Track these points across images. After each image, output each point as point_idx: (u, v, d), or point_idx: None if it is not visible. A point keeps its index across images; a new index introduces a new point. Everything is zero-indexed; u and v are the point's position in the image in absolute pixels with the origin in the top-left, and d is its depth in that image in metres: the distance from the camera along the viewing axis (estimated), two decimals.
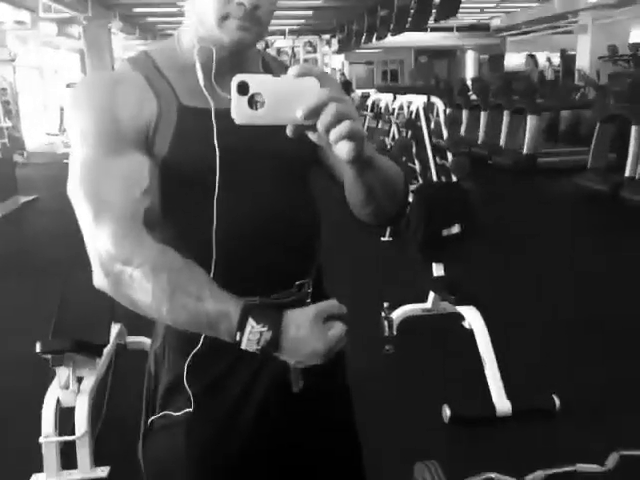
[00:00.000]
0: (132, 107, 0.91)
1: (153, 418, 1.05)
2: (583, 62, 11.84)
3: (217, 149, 0.91)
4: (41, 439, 2.18)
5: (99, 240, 0.86)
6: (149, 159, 0.91)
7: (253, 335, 0.81)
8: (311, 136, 0.76)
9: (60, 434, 2.21)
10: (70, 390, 2.24)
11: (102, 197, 0.87)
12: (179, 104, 0.93)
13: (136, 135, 0.91)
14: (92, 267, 0.88)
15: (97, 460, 2.26)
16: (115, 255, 0.84)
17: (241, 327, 0.81)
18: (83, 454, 2.22)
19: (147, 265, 0.84)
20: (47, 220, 6.18)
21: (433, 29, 16.15)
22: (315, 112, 0.73)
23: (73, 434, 2.21)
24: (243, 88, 0.72)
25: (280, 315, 0.83)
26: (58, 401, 2.21)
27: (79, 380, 2.29)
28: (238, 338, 0.82)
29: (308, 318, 0.83)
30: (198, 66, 0.94)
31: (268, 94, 0.72)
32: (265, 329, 0.81)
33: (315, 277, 1.08)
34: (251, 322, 0.81)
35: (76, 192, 0.89)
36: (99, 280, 0.87)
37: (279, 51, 17.55)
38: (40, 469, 2.23)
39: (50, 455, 2.20)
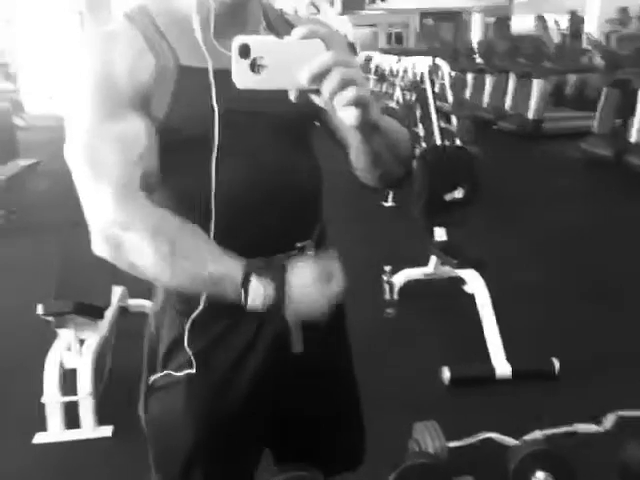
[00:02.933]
0: (129, 68, 0.88)
1: (154, 377, 1.06)
2: (592, 25, 11.59)
3: (215, 110, 0.89)
4: (44, 399, 2.21)
5: (97, 206, 0.86)
6: (147, 121, 0.89)
7: (257, 291, 0.83)
8: (315, 100, 0.74)
9: (65, 394, 2.24)
10: (72, 351, 2.26)
11: (99, 162, 0.86)
12: (178, 64, 0.90)
13: (133, 96, 0.88)
14: (91, 234, 0.87)
15: (101, 420, 2.30)
16: (114, 220, 0.84)
17: (245, 284, 0.82)
18: (86, 414, 2.26)
19: (147, 230, 0.84)
20: (48, 183, 6.16)
21: None
22: (319, 77, 0.69)
23: (76, 394, 2.23)
24: (244, 51, 0.69)
25: (283, 270, 0.84)
26: (61, 362, 2.24)
27: (81, 342, 2.31)
28: (243, 296, 0.83)
29: (310, 273, 0.84)
30: (196, 22, 0.91)
31: (271, 57, 0.69)
32: (268, 284, 0.82)
33: (317, 240, 1.06)
34: (254, 279, 0.82)
35: (73, 156, 0.88)
36: (98, 246, 0.87)
37: (281, 12, 17.21)
38: (44, 428, 2.26)
39: (53, 415, 2.24)
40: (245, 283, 0.83)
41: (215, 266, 0.83)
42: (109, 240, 0.85)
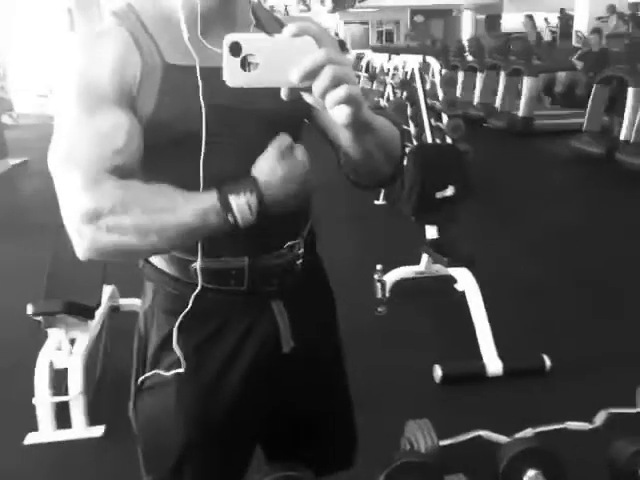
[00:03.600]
0: (114, 66, 0.88)
1: (143, 377, 1.05)
2: (581, 23, 11.64)
3: (203, 108, 0.88)
4: (35, 400, 2.20)
5: (68, 202, 0.85)
6: (131, 118, 0.88)
7: (241, 207, 0.85)
8: (307, 98, 0.73)
9: (55, 394, 2.22)
10: (63, 351, 2.25)
11: (73, 155, 0.85)
12: (163, 62, 0.90)
13: (118, 93, 0.88)
14: (72, 240, 0.86)
15: (92, 420, 2.29)
16: (85, 213, 0.83)
17: (226, 206, 0.84)
18: (77, 414, 2.25)
19: (117, 207, 0.83)
20: (37, 182, 6.11)
21: None
22: (311, 75, 0.69)
23: (67, 394, 2.22)
24: (235, 49, 0.68)
25: (250, 177, 0.87)
26: (51, 362, 2.22)
27: (72, 342, 2.30)
28: (231, 219, 0.85)
29: (274, 159, 0.87)
30: (182, 20, 0.90)
31: (262, 55, 0.69)
32: (248, 195, 0.85)
33: (307, 239, 1.06)
34: (233, 199, 0.85)
35: (51, 154, 0.87)
36: (82, 249, 0.86)
37: (272, 9, 17.20)
38: (35, 428, 2.25)
39: (45, 415, 2.23)
40: (226, 205, 0.84)
41: (192, 206, 0.84)
42: (87, 236, 0.84)
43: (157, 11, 0.93)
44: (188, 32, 0.90)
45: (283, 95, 0.72)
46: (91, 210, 0.83)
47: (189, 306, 0.96)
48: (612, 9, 10.68)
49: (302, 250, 1.04)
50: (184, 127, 0.90)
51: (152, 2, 0.95)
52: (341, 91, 0.70)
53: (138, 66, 0.89)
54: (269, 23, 1.01)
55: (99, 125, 0.86)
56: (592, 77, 7.77)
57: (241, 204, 0.84)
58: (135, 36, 0.90)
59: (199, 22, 0.91)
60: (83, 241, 0.85)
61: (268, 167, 0.87)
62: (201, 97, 0.88)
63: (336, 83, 0.70)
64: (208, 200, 0.85)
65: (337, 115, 0.72)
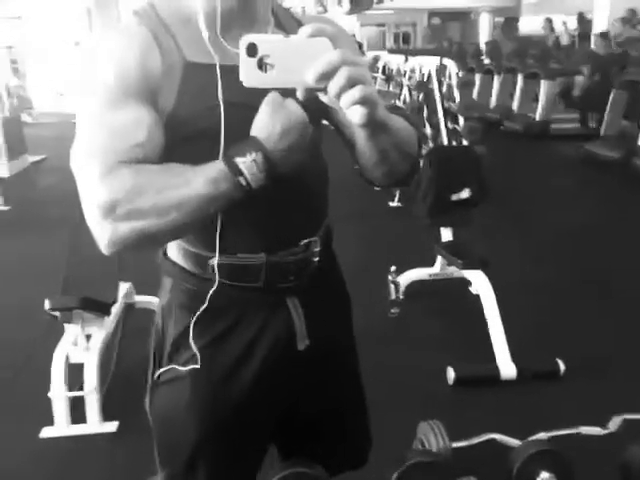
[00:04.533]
0: (136, 63, 0.89)
1: (160, 372, 1.06)
2: (600, 26, 11.53)
3: (222, 105, 0.89)
4: (50, 394, 2.22)
5: (89, 199, 0.86)
6: (153, 114, 0.90)
7: (250, 168, 0.84)
8: (323, 98, 0.74)
9: (70, 389, 2.25)
10: (79, 347, 2.28)
11: (92, 150, 0.87)
12: (184, 60, 0.91)
13: (140, 89, 0.89)
14: (95, 235, 0.87)
15: (106, 415, 2.31)
16: (104, 206, 0.84)
17: (236, 171, 0.84)
18: (92, 409, 2.27)
19: (130, 192, 0.84)
20: (55, 179, 6.18)
21: None
22: (326, 76, 0.70)
23: (82, 389, 2.25)
24: (252, 49, 0.69)
25: (251, 137, 0.86)
26: (67, 357, 2.25)
27: (88, 337, 2.32)
28: (242, 181, 0.85)
29: (268, 115, 0.86)
30: (202, 19, 0.92)
31: (278, 56, 0.70)
32: (253, 154, 0.84)
33: (323, 237, 1.07)
34: (239, 161, 0.84)
35: (73, 150, 0.88)
36: (104, 243, 0.87)
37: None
38: (51, 423, 2.27)
39: (60, 410, 2.25)
40: (233, 167, 0.84)
41: (202, 176, 0.85)
42: (107, 229, 0.85)
43: (178, 10, 0.95)
44: (208, 31, 0.91)
45: (299, 95, 0.73)
46: (108, 201, 0.84)
47: (206, 303, 0.97)
48: (632, 13, 10.57)
49: (318, 248, 1.05)
50: (203, 124, 0.91)
51: (173, 2, 0.96)
52: (356, 92, 0.70)
53: (158, 63, 0.90)
54: (288, 22, 1.02)
55: (120, 119, 0.87)
56: (598, 81, 7.81)
57: (248, 162, 0.84)
58: (155, 34, 0.91)
59: (219, 22, 0.92)
60: (104, 234, 0.85)
61: (264, 123, 0.85)
62: (220, 95, 0.89)
63: (351, 84, 0.70)
64: (216, 167, 0.85)
65: (353, 115, 0.72)
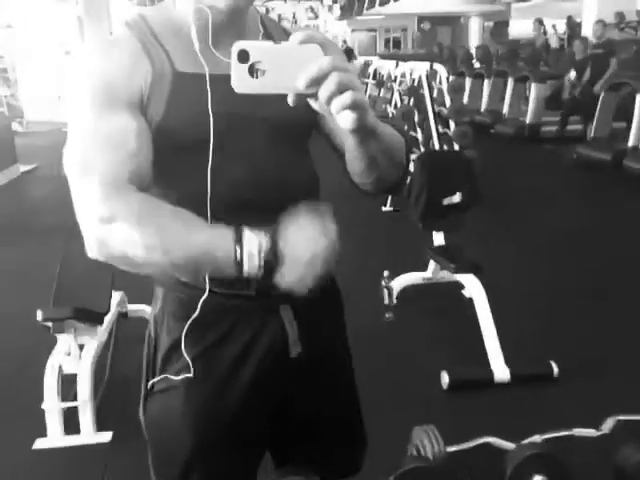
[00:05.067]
0: (125, 71, 0.90)
1: (153, 381, 1.06)
2: (589, 29, 11.62)
3: (211, 115, 0.90)
4: (43, 405, 2.21)
5: (84, 204, 0.86)
6: (142, 123, 0.90)
7: (252, 245, 0.82)
8: (313, 104, 0.75)
9: (63, 399, 2.24)
10: (72, 357, 2.27)
11: (88, 160, 0.87)
12: (173, 70, 0.92)
13: (129, 98, 0.90)
14: (84, 238, 0.87)
15: (100, 425, 2.30)
16: (101, 217, 0.84)
17: (239, 238, 0.82)
18: (86, 419, 2.26)
19: (132, 216, 0.84)
20: (47, 188, 6.16)
21: None
22: (316, 81, 0.71)
23: (76, 400, 2.24)
24: (243, 56, 0.70)
25: (274, 224, 0.84)
26: (60, 367, 2.24)
27: (80, 347, 2.31)
28: (238, 255, 0.82)
29: (304, 230, 0.83)
30: (193, 29, 0.92)
31: (269, 62, 0.70)
32: (262, 236, 0.83)
33: None
34: (247, 232, 0.83)
35: (67, 157, 0.89)
36: (91, 249, 0.87)
37: (280, 17, 17.28)
38: (44, 434, 2.26)
39: (53, 420, 2.24)
40: (239, 236, 0.82)
41: (207, 231, 0.84)
42: (98, 238, 0.85)
43: (168, 21, 0.96)
44: (199, 42, 0.92)
45: (290, 101, 0.74)
46: (106, 217, 0.84)
47: (197, 312, 0.97)
48: (620, 16, 10.66)
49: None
50: (192, 134, 0.91)
51: (163, 12, 0.98)
52: (346, 97, 0.71)
53: (149, 74, 0.91)
54: (276, 32, 1.04)
55: (112, 129, 0.88)
56: (574, 84, 7.95)
57: (253, 243, 0.82)
58: (145, 45, 0.92)
59: (210, 33, 0.92)
60: (94, 243, 0.86)
61: (297, 224, 0.84)
62: (209, 105, 0.90)
63: (341, 89, 0.71)
64: (222, 229, 0.84)
65: (342, 120, 0.73)
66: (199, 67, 0.91)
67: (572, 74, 8.08)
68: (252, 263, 0.83)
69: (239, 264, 0.83)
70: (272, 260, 0.83)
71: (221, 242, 0.83)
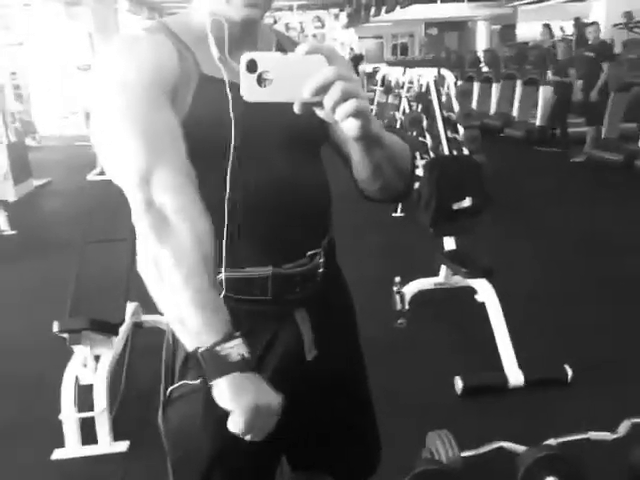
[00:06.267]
0: (160, 62, 0.92)
1: (172, 388, 1.07)
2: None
3: (232, 119, 0.92)
4: (61, 416, 2.24)
5: (153, 189, 0.86)
6: (176, 117, 0.91)
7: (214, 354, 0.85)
8: (319, 113, 0.77)
9: (80, 410, 2.26)
10: (88, 368, 2.29)
11: (154, 148, 0.87)
12: (200, 71, 0.95)
13: (168, 89, 0.92)
14: (136, 219, 0.86)
15: (117, 435, 2.32)
16: (170, 204, 0.85)
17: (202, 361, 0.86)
18: (103, 429, 2.28)
19: (189, 235, 0.84)
20: (60, 202, 6.24)
21: (443, 0, 15.85)
22: (321, 90, 0.73)
23: (92, 410, 2.26)
24: (252, 66, 0.73)
25: (236, 372, 0.86)
26: (77, 379, 2.27)
27: (96, 358, 2.34)
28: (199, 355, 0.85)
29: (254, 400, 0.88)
30: (211, 40, 0.95)
31: (276, 71, 0.73)
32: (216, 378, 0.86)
33: (327, 249, 1.09)
34: (207, 356, 0.85)
35: (119, 140, 0.87)
36: (141, 218, 0.86)
37: (287, 26, 17.37)
38: (62, 444, 2.29)
39: (71, 431, 2.26)
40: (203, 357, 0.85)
41: (197, 317, 0.85)
42: (154, 216, 0.85)
43: (189, 29, 0.98)
44: (218, 52, 0.95)
45: (296, 109, 0.76)
46: (175, 206, 0.85)
47: None
48: (629, 16, 10.61)
49: (323, 259, 1.07)
50: (212, 136, 0.94)
51: (183, 20, 1.01)
52: (350, 104, 0.74)
53: (176, 68, 0.93)
54: (288, 45, 1.08)
55: (169, 119, 0.89)
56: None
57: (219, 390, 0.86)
58: (174, 42, 0.95)
59: (227, 43, 0.96)
60: (145, 212, 0.86)
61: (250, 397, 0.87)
62: (231, 111, 0.92)
63: (345, 97, 0.74)
64: (203, 333, 0.85)
65: (347, 128, 0.76)
66: (220, 73, 0.94)
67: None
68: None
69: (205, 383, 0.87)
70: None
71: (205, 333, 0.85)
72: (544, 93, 8.49)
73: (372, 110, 0.87)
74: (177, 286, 0.84)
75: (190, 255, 0.84)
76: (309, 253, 1.04)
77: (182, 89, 0.93)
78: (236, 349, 0.85)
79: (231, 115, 0.92)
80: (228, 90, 0.93)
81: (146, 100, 0.89)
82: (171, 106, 0.91)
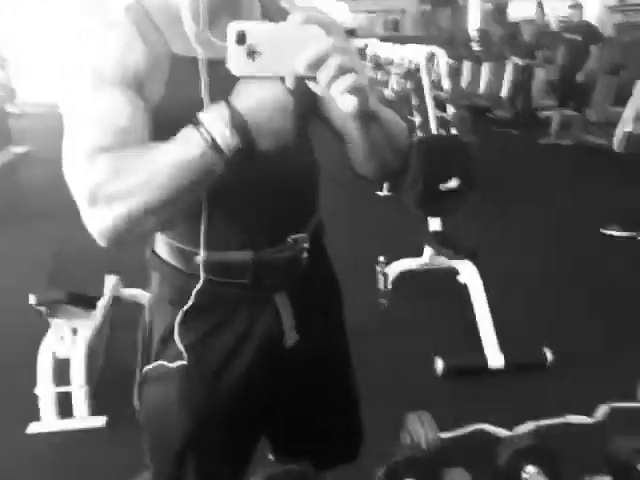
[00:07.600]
0: (117, 53, 0.88)
1: (148, 368, 1.06)
2: (592, 12, 11.49)
3: (205, 99, 0.87)
4: (37, 390, 2.21)
5: (76, 191, 0.84)
6: (138, 101, 0.88)
7: (215, 124, 0.79)
8: (313, 87, 0.73)
9: (58, 384, 2.23)
10: (65, 341, 2.26)
11: (77, 142, 0.85)
12: (171, 53, 0.90)
13: (121, 78, 0.87)
14: (89, 229, 0.84)
15: (94, 410, 2.30)
16: (89, 194, 0.82)
17: (197, 122, 0.80)
18: (80, 404, 2.26)
19: (110, 175, 0.81)
20: (40, 171, 6.09)
21: None
22: (316, 64, 0.69)
23: (69, 384, 2.23)
24: (240, 37, 0.68)
25: (224, 101, 0.80)
26: (54, 352, 2.23)
27: (74, 332, 2.31)
28: (208, 138, 0.79)
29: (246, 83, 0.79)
30: (185, 14, 0.90)
31: (267, 43, 0.68)
32: (220, 112, 0.79)
33: (313, 232, 1.05)
34: (204, 117, 0.80)
35: (63, 145, 0.87)
36: (97, 235, 0.84)
37: None
38: (38, 418, 2.26)
39: (47, 405, 2.24)
40: (196, 121, 0.80)
41: (173, 143, 0.81)
42: (95, 217, 0.83)
43: (164, 6, 0.93)
44: (195, 26, 0.89)
45: (288, 84, 0.72)
46: (90, 186, 0.82)
47: (191, 300, 0.96)
48: None
49: (307, 244, 1.03)
50: (188, 116, 0.89)
51: None
52: (347, 80, 0.70)
53: (144, 55, 0.88)
54: (275, 13, 1.01)
55: (101, 106, 0.86)
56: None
57: (216, 123, 0.78)
58: (140, 27, 0.90)
59: (202, 16, 0.90)
60: (94, 224, 0.83)
61: (238, 90, 0.80)
62: (203, 92, 0.88)
63: (342, 72, 0.69)
64: (182, 134, 0.81)
65: (344, 104, 0.71)
66: (195, 51, 0.89)
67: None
68: (228, 142, 0.79)
69: (213, 141, 0.79)
70: (239, 124, 0.79)
71: (191, 141, 0.80)
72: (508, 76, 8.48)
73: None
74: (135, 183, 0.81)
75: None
76: (292, 238, 1.01)
77: (154, 74, 0.88)
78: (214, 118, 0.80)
79: (202, 96, 0.87)
80: (201, 69, 0.88)
81: (83, 89, 0.86)
82: (121, 91, 0.86)
